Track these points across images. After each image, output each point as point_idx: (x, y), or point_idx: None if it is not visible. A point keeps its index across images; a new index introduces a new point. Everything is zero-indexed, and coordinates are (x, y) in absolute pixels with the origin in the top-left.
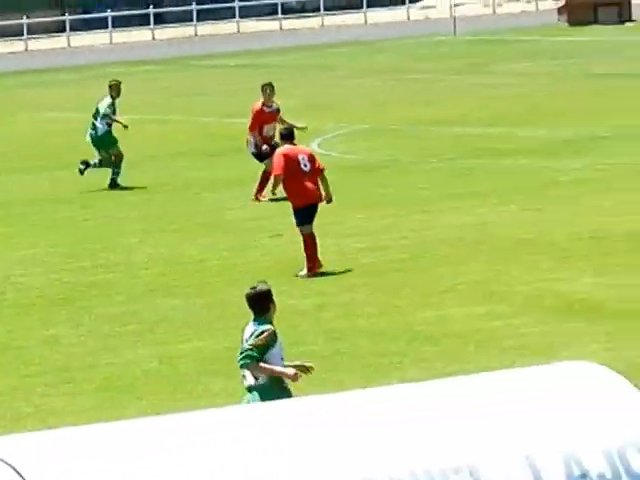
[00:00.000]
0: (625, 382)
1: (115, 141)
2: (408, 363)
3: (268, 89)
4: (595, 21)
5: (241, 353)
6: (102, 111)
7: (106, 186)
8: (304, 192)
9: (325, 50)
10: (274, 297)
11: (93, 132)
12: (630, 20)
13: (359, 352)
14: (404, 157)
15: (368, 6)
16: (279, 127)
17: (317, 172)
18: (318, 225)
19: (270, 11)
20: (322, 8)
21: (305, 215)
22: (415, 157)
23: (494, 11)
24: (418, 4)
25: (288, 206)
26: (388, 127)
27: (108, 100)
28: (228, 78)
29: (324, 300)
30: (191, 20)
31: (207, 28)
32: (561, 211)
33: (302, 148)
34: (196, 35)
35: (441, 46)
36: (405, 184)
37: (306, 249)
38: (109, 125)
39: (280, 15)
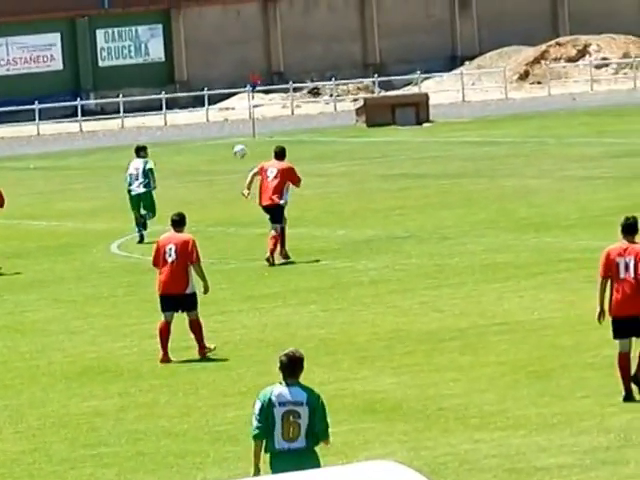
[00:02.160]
0: None
1: None
2: (210, 463)
3: None
4: (393, 122)
5: (327, 423)
6: None
7: None
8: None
9: (125, 152)
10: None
11: None
12: (428, 121)
13: (161, 453)
14: (203, 258)
15: (167, 107)
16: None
17: (184, 262)
18: (120, 326)
19: (70, 113)
20: (122, 110)
21: (161, 303)
22: (214, 258)
23: (292, 112)
24: (217, 105)
25: (84, 304)
26: (188, 229)
27: None
28: (28, 180)
29: (125, 401)
30: None
31: (7, 130)
32: (361, 311)
33: (178, 236)
34: None
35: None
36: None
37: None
38: None
39: (80, 117)
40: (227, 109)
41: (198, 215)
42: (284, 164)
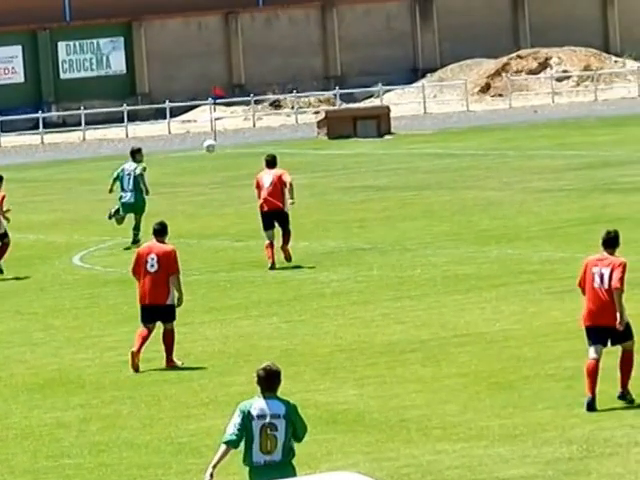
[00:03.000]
0: None
1: None
2: (172, 475)
3: None
4: (354, 134)
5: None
6: None
7: None
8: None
9: (87, 164)
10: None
11: None
12: (389, 133)
13: (124, 464)
14: None
15: (129, 120)
16: None
17: (166, 273)
18: (82, 338)
19: (32, 125)
20: (83, 122)
21: (142, 314)
22: None
23: (254, 124)
24: (179, 118)
25: (46, 316)
26: (149, 240)
27: None
28: None
29: (88, 413)
30: None
31: None
32: (323, 322)
33: (160, 246)
34: None
35: (202, 160)
36: None
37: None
38: None
39: (42, 129)
40: (189, 122)
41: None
42: (277, 171)
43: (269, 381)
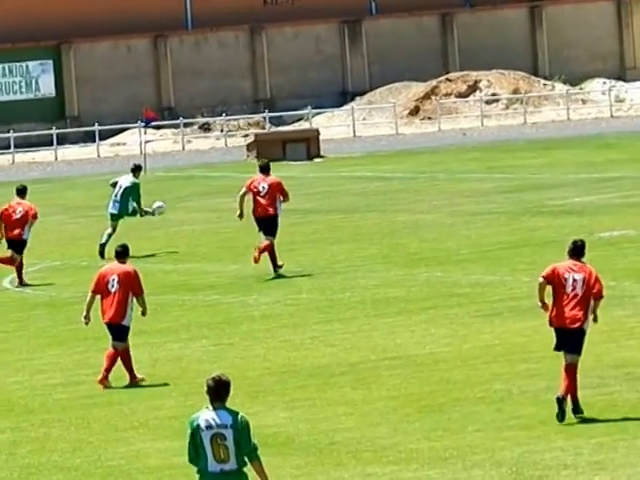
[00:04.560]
0: None
1: None
2: None
3: None
4: (284, 157)
5: (254, 444)
6: None
7: None
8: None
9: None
10: None
11: None
12: (319, 156)
13: None
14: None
15: (58, 143)
16: None
17: (126, 292)
18: (11, 361)
19: None
20: (12, 145)
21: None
22: None
23: (183, 147)
24: (108, 141)
25: None
26: (79, 263)
27: None
28: None
29: (18, 436)
30: None
31: None
32: (253, 346)
33: (121, 266)
34: None
35: None
36: (97, 320)
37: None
38: None
39: None
40: (118, 145)
41: (89, 250)
42: (273, 179)
43: (218, 391)
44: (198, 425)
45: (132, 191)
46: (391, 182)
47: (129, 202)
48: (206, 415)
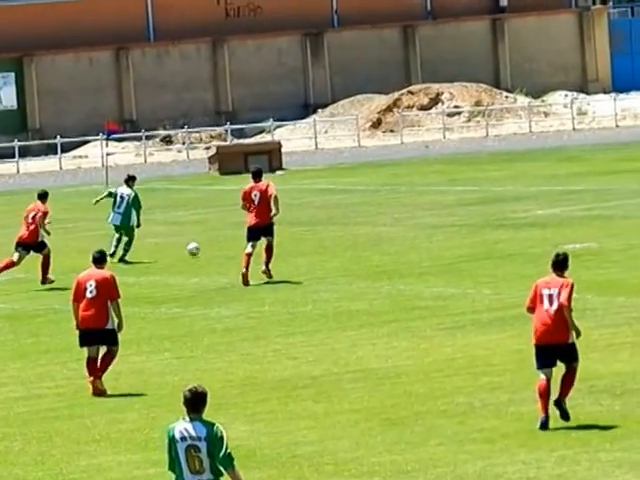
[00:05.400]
0: None
1: None
2: None
3: None
4: (246, 170)
5: (228, 454)
6: None
7: None
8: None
9: None
10: None
11: None
12: (280, 169)
13: None
14: (59, 305)
15: (20, 156)
16: None
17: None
18: None
19: None
20: None
21: (80, 338)
22: (67, 305)
23: (145, 160)
24: (70, 154)
25: None
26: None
27: None
28: None
29: None
30: None
31: None
32: (215, 359)
33: (98, 272)
34: None
35: (94, 195)
36: (59, 333)
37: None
38: None
39: None
40: (80, 157)
41: (51, 262)
42: (263, 184)
43: (194, 403)
44: (173, 436)
45: (135, 201)
46: (353, 195)
47: (132, 213)
48: (181, 426)
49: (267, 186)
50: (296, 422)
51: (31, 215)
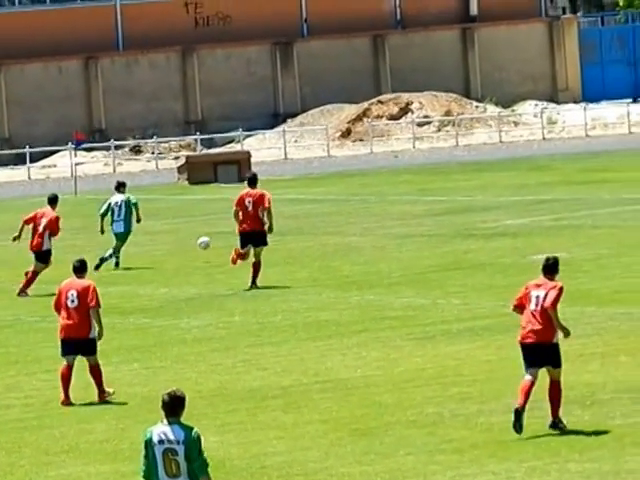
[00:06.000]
0: None
1: None
2: None
3: None
4: (215, 180)
5: (204, 460)
6: None
7: None
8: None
9: None
10: None
11: None
12: None
13: None
14: (25, 316)
15: None
16: None
17: (85, 307)
18: None
19: None
20: None
21: (62, 347)
22: (37, 316)
23: (114, 170)
24: (39, 163)
25: None
26: (8, 287)
27: None
28: None
29: None
30: None
31: None
32: (184, 369)
33: (79, 281)
34: None
35: (62, 205)
36: (28, 343)
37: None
38: None
39: None
40: (49, 167)
41: (17, 274)
42: (257, 192)
43: (172, 406)
44: (151, 439)
45: (130, 203)
46: (322, 204)
47: (131, 217)
48: (159, 430)
49: (261, 195)
50: (265, 432)
51: (42, 224)
